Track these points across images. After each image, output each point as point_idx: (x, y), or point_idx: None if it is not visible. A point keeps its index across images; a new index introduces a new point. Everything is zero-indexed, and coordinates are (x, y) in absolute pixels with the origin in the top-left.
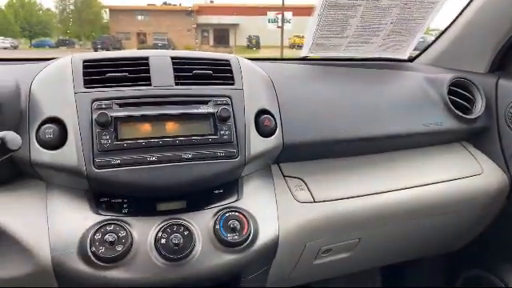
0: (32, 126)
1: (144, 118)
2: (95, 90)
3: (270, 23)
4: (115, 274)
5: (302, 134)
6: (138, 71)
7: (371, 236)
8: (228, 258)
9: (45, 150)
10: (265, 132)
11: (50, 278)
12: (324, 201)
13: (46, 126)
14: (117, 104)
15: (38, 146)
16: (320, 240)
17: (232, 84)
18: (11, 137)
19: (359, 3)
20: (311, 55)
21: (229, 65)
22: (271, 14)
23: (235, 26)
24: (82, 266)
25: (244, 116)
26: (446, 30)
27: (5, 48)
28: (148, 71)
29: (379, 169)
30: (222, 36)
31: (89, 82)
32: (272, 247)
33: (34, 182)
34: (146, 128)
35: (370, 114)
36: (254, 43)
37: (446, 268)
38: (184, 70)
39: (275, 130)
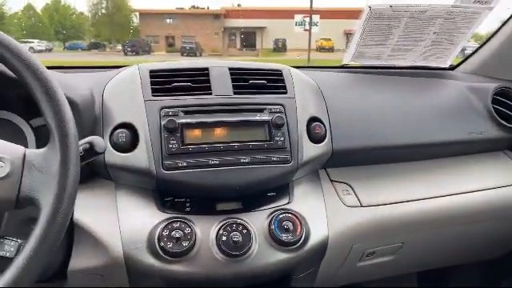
0: (106, 131)
1: (206, 125)
2: (162, 98)
3: (296, 26)
4: (180, 267)
5: (349, 140)
6: (199, 81)
7: (414, 240)
8: (282, 256)
9: (118, 153)
10: (315, 138)
11: (122, 269)
12: (370, 205)
13: (119, 130)
14: (182, 111)
15: (111, 149)
16: (365, 243)
17: (285, 93)
18: (98, 141)
19: (403, 14)
20: (352, 63)
21: (281, 74)
22: (298, 17)
23: (262, 29)
24: (150, 260)
25: (297, 123)
26: (488, 39)
27: (40, 51)
28: (208, 81)
29: (423, 175)
30: (248, 39)
31: (156, 91)
32: (322, 248)
33: (103, 182)
34: (208, 133)
35: (415, 121)
36: (280, 46)
37: (486, 275)
38: (241, 79)
39: (325, 136)
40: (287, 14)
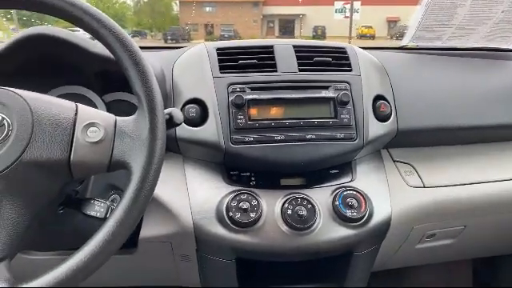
0: (177, 106)
1: (272, 101)
2: (230, 74)
3: (336, 13)
4: (247, 237)
5: (415, 120)
6: (264, 58)
7: (477, 224)
8: (345, 232)
9: (188, 127)
10: (381, 117)
11: (191, 238)
12: (434, 186)
13: (189, 105)
14: (249, 88)
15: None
16: (427, 224)
17: (350, 70)
18: (177, 112)
19: None
20: (411, 44)
21: (345, 52)
22: (338, 4)
23: (301, 16)
24: (218, 229)
25: (362, 101)
26: None
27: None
28: (273, 58)
29: (488, 158)
30: (287, 26)
31: (223, 68)
32: (384, 226)
33: (172, 155)
34: (274, 110)
35: (481, 102)
36: (319, 33)
37: None
38: (305, 57)
39: (390, 115)
40: (327, 0)
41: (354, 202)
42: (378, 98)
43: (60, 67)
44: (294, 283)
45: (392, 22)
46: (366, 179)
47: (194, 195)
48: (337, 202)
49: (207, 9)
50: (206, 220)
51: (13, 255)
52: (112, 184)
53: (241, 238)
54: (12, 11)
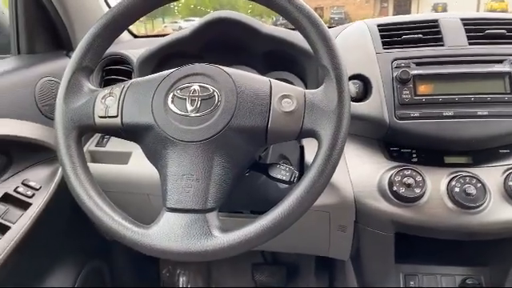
0: None
1: (440, 76)
2: (393, 50)
3: None
4: (409, 212)
5: None
6: (429, 33)
7: None
8: None
9: (352, 102)
10: None
11: (350, 209)
12: None
13: (352, 81)
14: (414, 63)
15: None
16: None
17: None
18: (351, 86)
19: None
20: None
21: None
22: None
23: None
24: (380, 203)
25: None
26: None
27: None
28: (439, 32)
29: None
30: (403, 5)
31: (386, 44)
32: None
33: None
34: (441, 85)
35: None
36: (440, 12)
37: None
38: (475, 30)
39: None
40: None
41: None
42: None
43: (230, 47)
44: (449, 264)
45: None
46: None
47: (353, 169)
48: (510, 183)
49: None
50: (367, 193)
51: (219, 208)
52: (281, 153)
53: (403, 212)
54: None
